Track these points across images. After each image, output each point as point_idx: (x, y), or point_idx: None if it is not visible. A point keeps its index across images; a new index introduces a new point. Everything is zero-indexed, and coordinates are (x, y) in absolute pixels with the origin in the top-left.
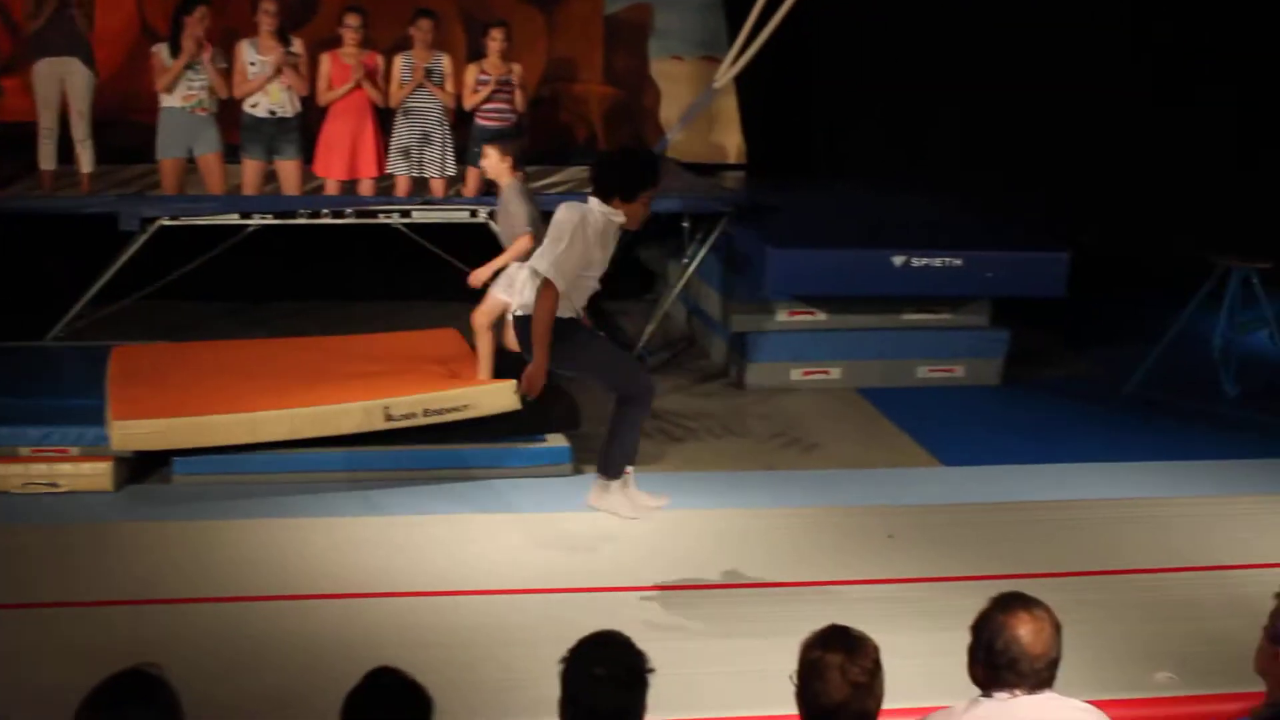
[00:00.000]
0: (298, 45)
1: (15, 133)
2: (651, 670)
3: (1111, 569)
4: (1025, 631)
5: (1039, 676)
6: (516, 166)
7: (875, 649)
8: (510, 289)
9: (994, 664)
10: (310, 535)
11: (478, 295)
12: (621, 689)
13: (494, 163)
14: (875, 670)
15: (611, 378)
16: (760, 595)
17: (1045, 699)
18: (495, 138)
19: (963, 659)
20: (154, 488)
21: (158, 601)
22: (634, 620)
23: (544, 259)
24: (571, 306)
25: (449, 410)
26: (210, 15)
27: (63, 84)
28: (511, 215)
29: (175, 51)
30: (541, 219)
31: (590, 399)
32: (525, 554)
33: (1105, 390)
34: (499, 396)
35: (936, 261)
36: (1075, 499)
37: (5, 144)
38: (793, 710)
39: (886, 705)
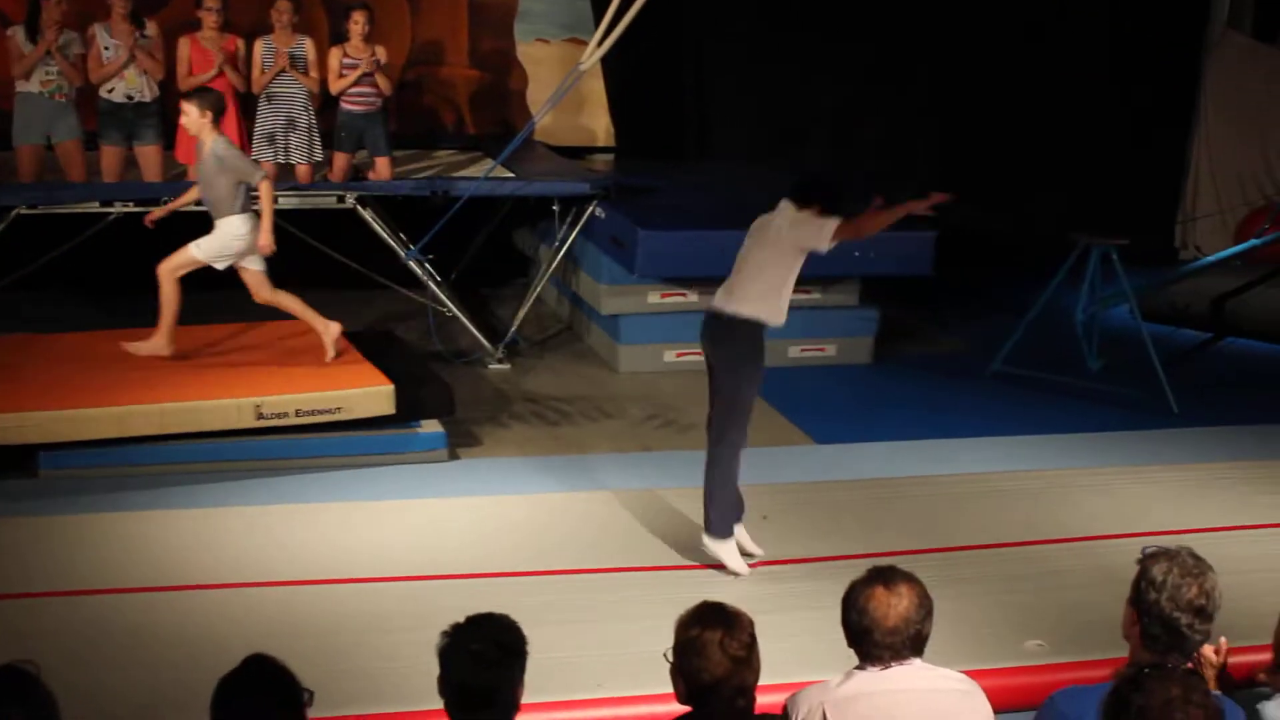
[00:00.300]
0: (151, 28)
1: None
2: (525, 651)
3: (983, 543)
4: (877, 605)
5: (894, 649)
6: (217, 123)
7: (750, 623)
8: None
9: (850, 635)
10: (183, 526)
11: (350, 282)
12: (492, 666)
13: (194, 119)
14: (752, 644)
15: (730, 412)
16: (639, 577)
17: (917, 669)
18: (363, 123)
19: (834, 637)
20: (20, 482)
21: (27, 596)
22: (514, 605)
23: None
24: (779, 311)
25: (321, 412)
26: None
27: None
28: (236, 169)
29: (31, 34)
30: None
31: (464, 385)
32: (402, 541)
33: (973, 366)
34: (374, 401)
35: None
36: (946, 474)
37: None
38: (669, 689)
39: (762, 682)
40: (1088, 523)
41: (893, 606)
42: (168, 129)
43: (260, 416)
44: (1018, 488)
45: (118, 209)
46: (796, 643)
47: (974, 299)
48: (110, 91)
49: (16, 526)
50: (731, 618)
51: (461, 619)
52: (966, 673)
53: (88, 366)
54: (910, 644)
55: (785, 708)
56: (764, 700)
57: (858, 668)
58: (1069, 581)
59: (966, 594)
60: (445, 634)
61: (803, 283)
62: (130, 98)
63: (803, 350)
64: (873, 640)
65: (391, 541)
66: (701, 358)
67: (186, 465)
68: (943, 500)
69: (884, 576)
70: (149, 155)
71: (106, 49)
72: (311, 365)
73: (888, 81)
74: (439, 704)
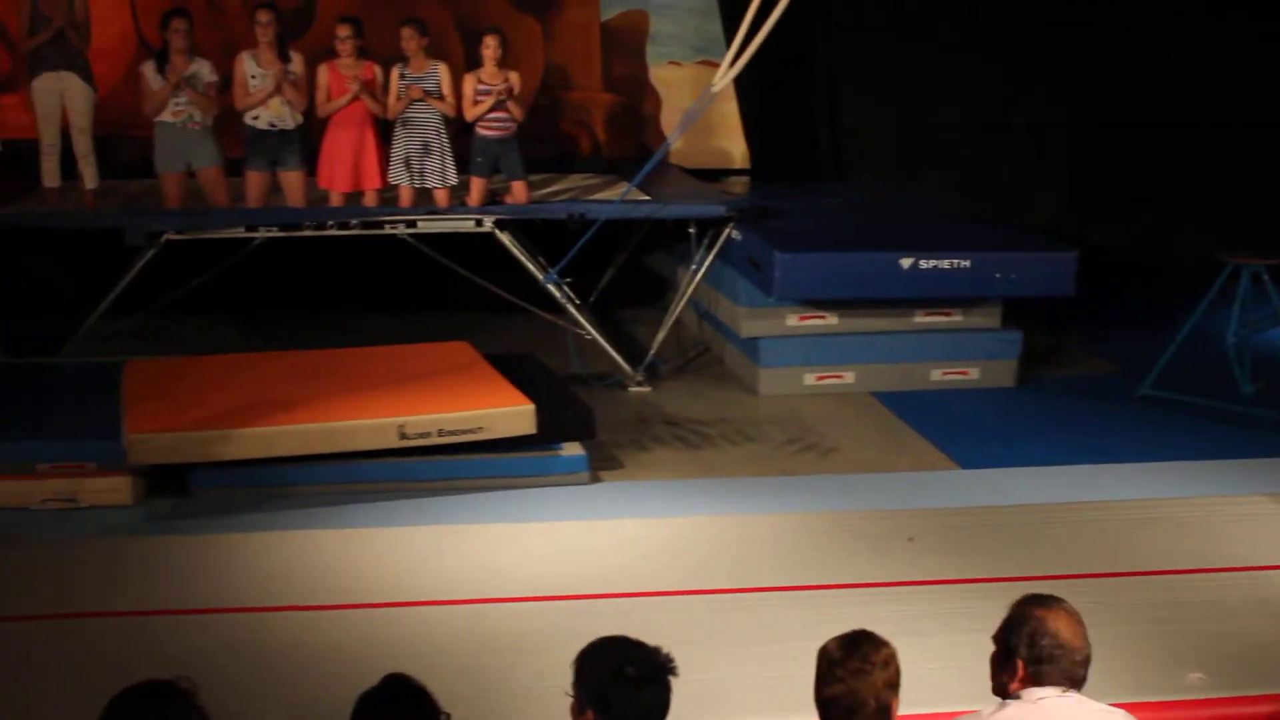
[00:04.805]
0: (296, 62)
1: (17, 149)
2: (674, 670)
3: (1132, 570)
4: (1064, 627)
5: (1077, 674)
6: None
7: (890, 650)
8: None
9: (1038, 660)
10: (330, 546)
11: (489, 305)
12: (654, 687)
13: None
14: (885, 664)
15: None
16: (780, 600)
17: (1074, 702)
18: (499, 147)
19: (981, 662)
20: (172, 501)
21: (178, 613)
22: (656, 625)
23: None
24: None
25: (464, 431)
26: (188, 26)
27: (62, 99)
28: None
29: (161, 68)
30: None
31: (604, 407)
32: (547, 562)
33: (1120, 390)
34: (516, 420)
35: (945, 263)
36: (1094, 500)
37: (7, 161)
38: (812, 714)
39: (909, 710)
40: (1242, 551)
41: (1077, 628)
42: (310, 155)
43: (403, 436)
44: (1168, 515)
45: (262, 233)
46: (941, 667)
47: (1119, 320)
48: (255, 119)
49: (168, 545)
50: (871, 643)
51: (589, 644)
52: (1124, 705)
53: (236, 388)
54: (1085, 669)
55: None
56: None
57: (1012, 696)
58: (1225, 612)
59: (1116, 623)
60: (585, 662)
61: (944, 305)
62: (273, 125)
63: (944, 373)
64: (1061, 666)
65: (536, 563)
66: (840, 380)
67: (331, 485)
68: (1090, 526)
69: (1057, 600)
70: (292, 181)
71: (253, 77)
72: (452, 386)
73: (1023, 96)
74: None
